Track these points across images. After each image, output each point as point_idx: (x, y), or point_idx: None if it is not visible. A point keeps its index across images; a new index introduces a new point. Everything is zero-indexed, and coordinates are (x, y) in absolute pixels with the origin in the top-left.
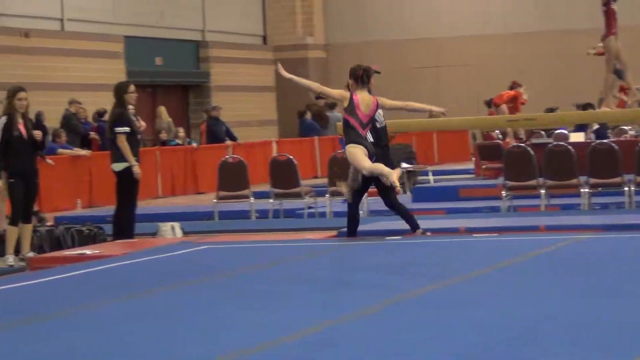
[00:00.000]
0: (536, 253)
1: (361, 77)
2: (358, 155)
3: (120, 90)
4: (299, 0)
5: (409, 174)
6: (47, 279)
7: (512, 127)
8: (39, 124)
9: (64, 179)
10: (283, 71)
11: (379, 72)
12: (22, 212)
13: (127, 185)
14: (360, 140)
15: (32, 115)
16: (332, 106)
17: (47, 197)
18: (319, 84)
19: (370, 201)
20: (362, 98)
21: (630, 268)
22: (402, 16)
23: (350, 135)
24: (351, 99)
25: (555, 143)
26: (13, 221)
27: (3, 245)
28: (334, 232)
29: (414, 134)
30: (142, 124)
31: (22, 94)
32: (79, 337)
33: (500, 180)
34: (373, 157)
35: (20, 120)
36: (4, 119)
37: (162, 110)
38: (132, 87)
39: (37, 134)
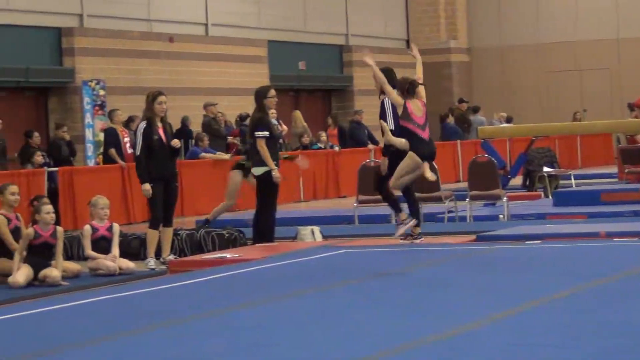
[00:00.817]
0: None
1: (407, 90)
2: (410, 167)
3: (260, 95)
4: (442, 4)
5: (550, 177)
6: (186, 282)
7: None
8: (184, 128)
9: (206, 182)
10: (368, 59)
11: (423, 84)
12: (162, 216)
13: (267, 189)
14: (421, 147)
15: (177, 120)
16: (475, 110)
17: (189, 200)
18: (386, 81)
19: (512, 205)
20: (414, 104)
21: None
22: (542, 19)
23: (412, 141)
24: (405, 106)
25: None
26: (153, 225)
27: (145, 248)
28: (474, 237)
29: (557, 138)
30: (283, 128)
31: (161, 98)
32: (217, 339)
33: None
34: (434, 156)
35: (159, 125)
36: (143, 124)
37: (297, 115)
38: (272, 92)
39: (175, 142)
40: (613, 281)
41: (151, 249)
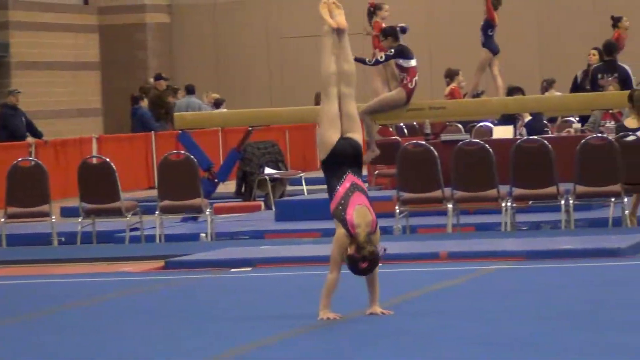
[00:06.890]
0: (423, 291)
1: None
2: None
3: None
4: None
5: (274, 182)
6: None
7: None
8: None
9: None
10: None
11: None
12: None
13: None
14: None
15: None
16: (190, 91)
17: None
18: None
19: (219, 220)
20: None
21: (550, 311)
22: None
23: None
24: None
25: (468, 140)
26: None
27: None
28: (162, 263)
29: (288, 128)
30: None
31: None
32: None
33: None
34: None
35: None
36: None
37: None
38: None
39: None
40: (310, 330)
41: None
